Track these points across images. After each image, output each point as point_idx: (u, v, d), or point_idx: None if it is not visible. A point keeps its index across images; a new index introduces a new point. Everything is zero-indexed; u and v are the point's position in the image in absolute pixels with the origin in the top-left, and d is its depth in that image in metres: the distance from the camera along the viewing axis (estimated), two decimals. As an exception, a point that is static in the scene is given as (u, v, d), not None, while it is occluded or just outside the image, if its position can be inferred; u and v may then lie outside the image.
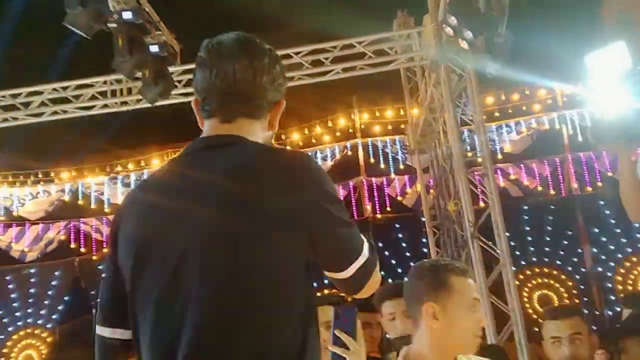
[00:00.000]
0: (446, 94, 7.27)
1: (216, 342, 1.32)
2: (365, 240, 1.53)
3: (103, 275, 1.54)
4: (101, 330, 1.49)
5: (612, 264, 13.68)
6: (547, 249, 14.11)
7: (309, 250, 1.41)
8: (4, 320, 12.67)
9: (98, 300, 1.53)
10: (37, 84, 7.57)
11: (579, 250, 13.85)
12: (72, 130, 9.57)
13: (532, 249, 14.16)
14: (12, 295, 12.94)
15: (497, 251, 7.04)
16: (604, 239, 13.87)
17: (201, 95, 1.54)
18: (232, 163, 1.43)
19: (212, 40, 1.56)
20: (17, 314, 12.85)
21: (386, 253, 13.89)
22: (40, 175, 12.60)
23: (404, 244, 13.99)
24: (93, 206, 12.79)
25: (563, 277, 14.15)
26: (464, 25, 5.90)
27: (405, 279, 2.18)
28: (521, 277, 14.04)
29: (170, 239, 1.39)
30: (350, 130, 13.28)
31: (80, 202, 12.74)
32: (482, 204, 8.02)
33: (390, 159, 13.14)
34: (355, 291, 1.54)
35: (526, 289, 14.07)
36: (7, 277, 13.02)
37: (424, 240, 11.85)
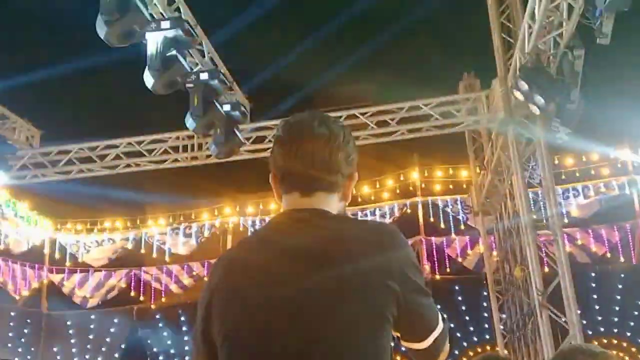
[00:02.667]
0: (514, 158, 7.17)
1: None
2: (438, 310, 1.58)
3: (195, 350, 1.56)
4: None
5: (683, 337, 12.92)
6: (615, 319, 13.44)
7: (393, 310, 1.46)
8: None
9: None
10: (113, 137, 7.91)
11: (651, 321, 13.16)
12: (137, 179, 9.85)
13: (599, 318, 13.53)
14: (72, 341, 13.16)
15: (567, 321, 6.74)
16: (676, 312, 13.16)
17: (280, 172, 1.62)
18: (322, 234, 1.50)
19: (290, 119, 1.64)
20: (75, 359, 13.04)
21: (444, 315, 13.55)
22: (106, 224, 12.99)
23: (463, 307, 13.59)
24: (154, 255, 13.03)
25: (633, 349, 13.42)
26: (535, 90, 5.85)
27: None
28: (587, 348, 13.42)
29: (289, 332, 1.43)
30: (411, 189, 13.19)
31: (142, 251, 13.01)
32: (546, 270, 7.76)
33: (451, 219, 12.91)
34: None
35: (592, 361, 13.40)
36: (68, 322, 13.29)
37: (484, 304, 11.51)
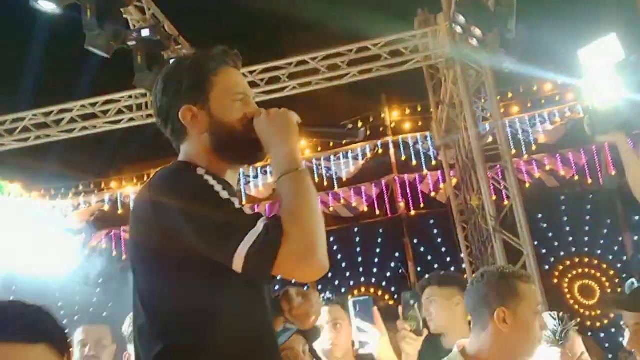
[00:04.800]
0: (463, 91, 7.30)
1: None
2: None
3: None
4: None
5: (655, 250, 13.39)
6: (586, 238, 13.89)
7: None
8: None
9: None
10: (66, 102, 7.93)
11: (620, 239, 13.58)
12: (107, 143, 9.93)
13: (570, 239, 13.96)
14: (59, 304, 13.41)
15: (521, 244, 7.04)
16: (645, 225, 13.58)
17: None
18: None
19: None
20: (65, 321, 13.33)
21: (422, 249, 13.91)
22: (80, 188, 13.05)
23: (439, 240, 13.97)
24: (132, 215, 13.16)
25: (604, 266, 13.91)
26: (472, 22, 5.94)
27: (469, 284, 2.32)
28: (561, 267, 13.88)
29: None
30: (381, 129, 13.30)
31: (119, 211, 13.13)
32: (506, 202, 8.02)
33: (422, 156, 13.09)
34: None
35: (566, 280, 13.89)
36: (54, 286, 13.51)
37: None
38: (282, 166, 1.55)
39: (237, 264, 1.41)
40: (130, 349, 3.07)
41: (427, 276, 3.37)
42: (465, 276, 10.74)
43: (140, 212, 1.55)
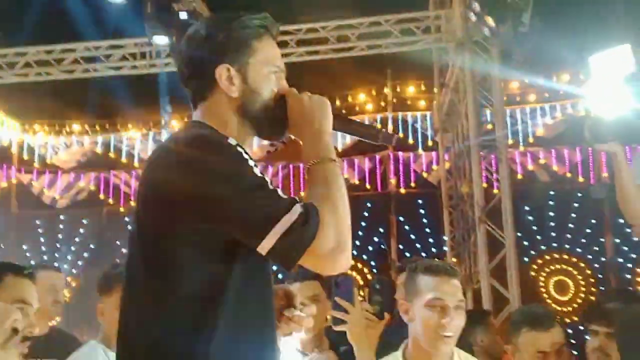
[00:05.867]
0: (469, 79, 7.29)
1: None
2: None
3: None
4: None
5: (633, 255, 13.55)
6: (568, 235, 14.02)
7: None
8: (31, 263, 13.22)
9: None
10: (70, 42, 7.85)
11: (601, 240, 13.73)
12: (106, 86, 9.84)
13: (553, 234, 14.11)
14: (41, 239, 13.49)
15: (503, 236, 7.14)
16: (628, 230, 13.67)
17: None
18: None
19: None
20: (45, 257, 13.41)
21: (406, 227, 14.03)
22: (75, 127, 12.99)
23: (424, 220, 14.06)
24: (124, 160, 13.14)
25: (582, 265, 14.10)
26: (486, 12, 5.91)
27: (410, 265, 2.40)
28: (540, 261, 14.06)
29: None
30: (382, 104, 13.25)
31: (111, 155, 13.12)
32: (496, 191, 8.10)
33: (420, 135, 13.09)
34: None
35: (543, 274, 14.09)
36: (37, 221, 13.56)
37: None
38: (318, 153, 1.52)
39: (265, 246, 1.38)
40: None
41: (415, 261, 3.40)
42: (445, 260, 10.92)
43: (162, 181, 1.46)
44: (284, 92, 1.62)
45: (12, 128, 12.79)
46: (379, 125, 13.03)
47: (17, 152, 13.03)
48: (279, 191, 1.42)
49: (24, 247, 13.38)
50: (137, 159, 13.03)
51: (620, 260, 13.61)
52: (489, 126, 8.00)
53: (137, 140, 13.10)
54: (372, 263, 14.04)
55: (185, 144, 1.47)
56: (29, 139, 12.99)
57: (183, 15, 6.77)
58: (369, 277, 13.70)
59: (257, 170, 1.44)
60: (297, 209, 1.38)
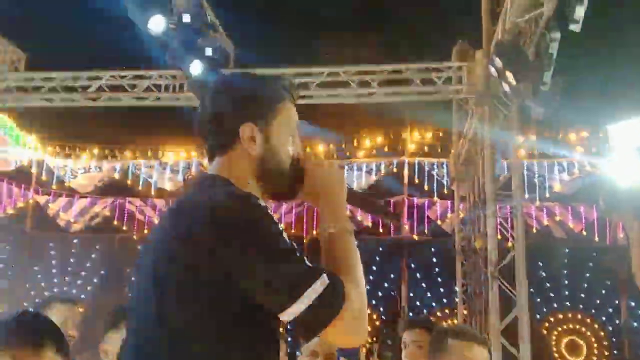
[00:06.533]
0: (486, 133, 7.28)
1: None
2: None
3: None
4: None
5: (648, 320, 13.29)
6: (582, 295, 13.80)
7: None
8: (42, 284, 13.26)
9: None
10: (96, 70, 8.01)
11: (616, 302, 13.48)
12: (129, 114, 9.99)
13: (567, 293, 13.87)
14: (53, 262, 13.54)
15: (516, 294, 7.01)
16: (644, 295, 13.44)
17: None
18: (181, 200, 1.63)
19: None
20: (55, 280, 13.44)
21: (418, 275, 13.87)
22: (95, 151, 13.16)
23: (437, 269, 13.91)
24: (140, 188, 13.26)
25: (596, 326, 13.83)
26: (507, 68, 5.92)
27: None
28: (552, 319, 13.81)
29: None
30: (399, 147, 13.27)
31: (128, 182, 13.24)
32: (510, 244, 8.00)
33: (435, 182, 13.05)
34: None
35: (555, 332, 13.82)
36: (51, 244, 13.63)
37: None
38: (337, 223, 1.55)
39: (290, 313, 1.39)
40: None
41: (418, 317, 3.39)
42: (455, 312, 10.74)
43: (190, 233, 1.43)
44: (303, 158, 1.65)
45: (33, 149, 13.00)
46: (394, 169, 13.05)
47: (36, 172, 13.22)
48: (306, 259, 1.43)
49: (36, 268, 13.43)
50: (154, 187, 13.15)
51: (635, 323, 13.33)
52: (505, 179, 7.96)
53: (155, 169, 13.23)
54: (381, 309, 13.87)
55: (220, 201, 1.46)
56: (48, 160, 13.17)
57: (208, 52, 6.89)
58: (377, 323, 13.52)
59: (285, 235, 1.45)
60: (325, 279, 1.39)
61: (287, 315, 1.38)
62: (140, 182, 13.27)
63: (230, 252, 1.39)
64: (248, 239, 1.40)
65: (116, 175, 13.26)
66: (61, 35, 8.58)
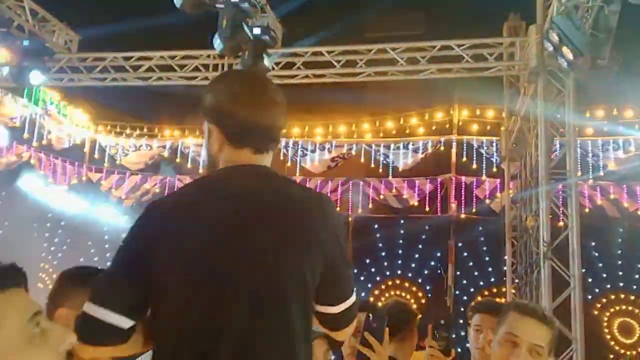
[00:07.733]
0: (540, 109, 7.08)
1: None
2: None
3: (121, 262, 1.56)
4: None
5: None
6: (637, 276, 13.42)
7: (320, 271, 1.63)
8: (94, 259, 13.64)
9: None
10: (147, 50, 8.11)
11: (670, 281, 13.09)
12: (177, 94, 10.09)
13: (620, 273, 13.52)
14: (105, 237, 13.92)
15: (569, 275, 6.86)
16: (701, 275, 13.01)
17: (239, 126, 1.68)
18: (281, 191, 1.72)
19: (239, 74, 2.10)
20: (107, 255, 13.81)
21: (465, 254, 13.71)
22: (145, 130, 13.40)
23: (484, 248, 13.72)
24: (189, 165, 13.45)
25: (644, 306, 13.46)
26: (564, 43, 5.72)
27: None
28: (604, 300, 13.48)
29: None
30: (447, 126, 13.06)
31: (178, 160, 13.44)
32: (561, 223, 7.82)
33: (484, 160, 12.82)
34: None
35: (607, 314, 13.50)
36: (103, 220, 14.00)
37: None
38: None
39: (336, 309, 1.64)
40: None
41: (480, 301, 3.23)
42: (504, 290, 10.58)
43: (328, 227, 1.63)
44: None
45: (86, 128, 13.32)
46: (442, 147, 12.86)
47: (89, 151, 13.55)
48: None
49: (89, 243, 13.86)
50: (202, 165, 13.32)
51: (691, 305, 12.94)
52: (558, 157, 7.74)
53: (203, 147, 13.38)
54: (427, 287, 13.79)
55: (329, 200, 1.75)
56: (101, 138, 13.48)
57: (256, 31, 6.87)
58: (423, 301, 13.46)
59: None
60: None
61: (337, 309, 1.63)
62: (189, 160, 13.45)
63: (338, 244, 1.65)
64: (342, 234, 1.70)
65: (165, 154, 13.46)
66: (112, 16, 8.71)
